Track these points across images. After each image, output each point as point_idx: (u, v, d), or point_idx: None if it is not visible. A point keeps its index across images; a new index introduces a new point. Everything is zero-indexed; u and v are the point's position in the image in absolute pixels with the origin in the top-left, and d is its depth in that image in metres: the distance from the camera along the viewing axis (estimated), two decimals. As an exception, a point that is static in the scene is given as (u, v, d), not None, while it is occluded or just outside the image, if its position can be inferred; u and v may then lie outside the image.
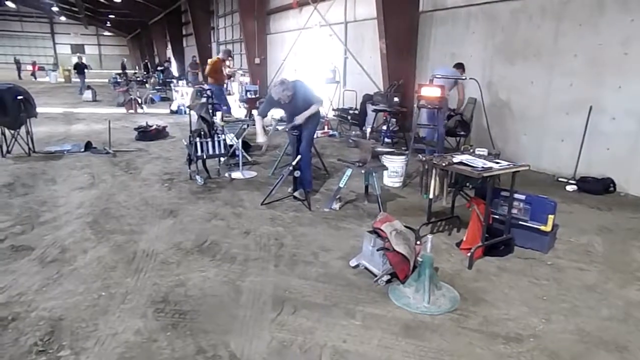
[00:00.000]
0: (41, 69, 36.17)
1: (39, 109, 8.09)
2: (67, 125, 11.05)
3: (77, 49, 54.09)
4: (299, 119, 5.13)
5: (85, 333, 2.75)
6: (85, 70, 20.09)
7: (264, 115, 5.49)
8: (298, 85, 5.19)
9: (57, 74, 29.51)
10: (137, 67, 41.20)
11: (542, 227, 3.93)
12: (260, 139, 5.42)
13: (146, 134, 9.22)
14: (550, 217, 3.90)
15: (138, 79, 23.03)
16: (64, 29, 52.50)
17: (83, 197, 5.41)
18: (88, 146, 8.06)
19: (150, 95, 16.60)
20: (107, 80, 24.92)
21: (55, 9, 41.62)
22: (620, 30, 5.69)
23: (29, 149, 7.64)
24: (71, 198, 5.38)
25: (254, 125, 8.20)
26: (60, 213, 4.86)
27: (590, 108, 6.05)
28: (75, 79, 22.29)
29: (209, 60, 11.76)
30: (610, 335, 2.85)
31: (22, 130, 7.54)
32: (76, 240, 4.15)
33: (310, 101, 5.22)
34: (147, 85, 20.99)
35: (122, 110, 13.83)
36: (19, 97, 7.22)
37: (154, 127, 9.49)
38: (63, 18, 48.43)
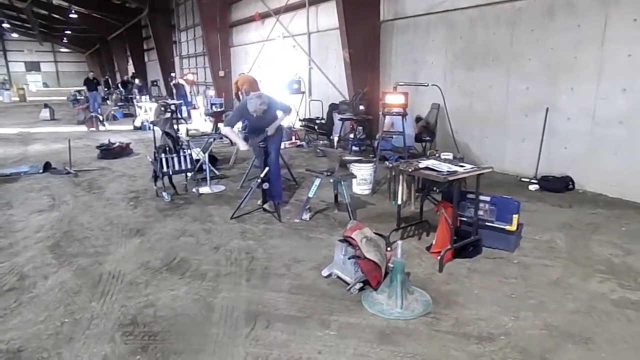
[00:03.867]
0: (-7, 88, 34.66)
1: (-8, 130, 7.74)
2: (24, 146, 10.60)
3: (32, 66, 52.29)
4: (271, 130, 5.16)
5: (48, 363, 2.62)
6: (99, 87, 18.15)
7: (231, 125, 5.52)
8: (270, 99, 5.27)
9: (11, 93, 28.34)
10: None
11: (508, 227, 4.04)
12: (242, 146, 5.45)
13: (109, 151, 8.96)
14: (515, 216, 4.01)
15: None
16: (17, 45, 50.46)
17: (43, 221, 5.18)
18: (47, 167, 7.75)
19: (112, 112, 16.18)
20: (65, 98, 24.14)
21: (6, 25, 40.04)
22: (569, 35, 5.97)
23: (-17, 172, 7.28)
24: (30, 222, 5.15)
25: (220, 138, 8.16)
26: (18, 238, 4.64)
27: (547, 109, 6.31)
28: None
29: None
30: (576, 328, 2.94)
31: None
32: (36, 265, 3.96)
33: (278, 112, 5.30)
34: (108, 101, 20.43)
35: (83, 128, 13.40)
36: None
37: (117, 144, 9.23)
38: (15, 35, 46.64)
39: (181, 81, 16.27)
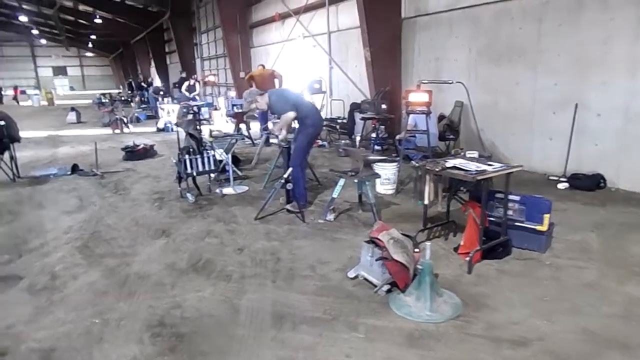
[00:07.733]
0: (23, 92, 35.74)
1: (22, 133, 7.95)
2: (53, 149, 10.88)
3: (59, 70, 53.73)
4: (271, 126, 5.17)
5: (79, 363, 2.65)
6: (162, 92, 17.50)
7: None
8: (270, 94, 5.29)
9: (40, 97, 29.18)
10: (121, 87, 40.91)
11: (539, 227, 3.92)
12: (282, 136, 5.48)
13: (134, 153, 9.10)
14: (546, 216, 3.89)
15: (122, 98, 22.83)
16: (45, 51, 51.96)
17: (71, 221, 5.29)
18: (75, 169, 7.92)
19: (136, 114, 16.45)
20: (91, 101, 24.71)
21: (35, 32, 41.29)
22: (600, 29, 5.76)
23: (14, 174, 7.48)
24: (59, 223, 5.26)
25: (242, 139, 8.21)
26: (49, 239, 4.74)
27: (576, 106, 6.11)
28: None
29: None
30: (612, 333, 2.83)
31: (6, 155, 7.39)
32: (66, 266, 4.04)
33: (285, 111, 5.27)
34: (132, 104, 20.80)
35: (108, 130, 13.66)
36: (0, 123, 7.08)
37: (142, 146, 9.37)
38: (43, 41, 48.04)
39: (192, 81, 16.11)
